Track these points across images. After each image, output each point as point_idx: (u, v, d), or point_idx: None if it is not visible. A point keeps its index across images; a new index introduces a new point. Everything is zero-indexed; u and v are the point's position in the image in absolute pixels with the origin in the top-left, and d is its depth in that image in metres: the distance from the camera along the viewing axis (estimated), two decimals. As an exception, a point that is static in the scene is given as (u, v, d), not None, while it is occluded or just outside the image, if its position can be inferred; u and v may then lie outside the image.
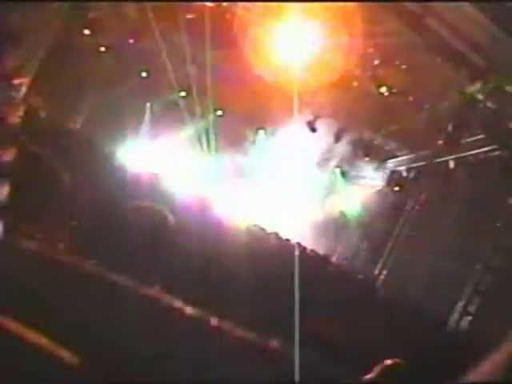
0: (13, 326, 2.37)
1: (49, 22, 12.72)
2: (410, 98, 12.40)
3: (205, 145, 17.51)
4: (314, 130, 15.56)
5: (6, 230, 2.67)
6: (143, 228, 3.23)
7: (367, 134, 15.45)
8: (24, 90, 12.62)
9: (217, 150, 17.33)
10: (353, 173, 17.35)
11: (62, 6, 12.54)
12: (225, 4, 12.15)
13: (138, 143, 16.60)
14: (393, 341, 4.11)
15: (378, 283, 14.01)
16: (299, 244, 11.47)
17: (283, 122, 17.32)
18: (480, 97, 10.67)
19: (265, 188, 17.49)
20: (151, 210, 3.46)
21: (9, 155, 2.84)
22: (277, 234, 11.60)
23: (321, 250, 12.96)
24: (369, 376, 2.84)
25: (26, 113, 8.69)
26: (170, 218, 3.48)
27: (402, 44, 10.65)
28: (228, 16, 12.14)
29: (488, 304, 10.87)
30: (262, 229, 11.27)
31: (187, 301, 2.87)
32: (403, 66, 11.43)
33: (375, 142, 15.58)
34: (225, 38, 12.17)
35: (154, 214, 3.42)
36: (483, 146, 11.58)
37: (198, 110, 17.35)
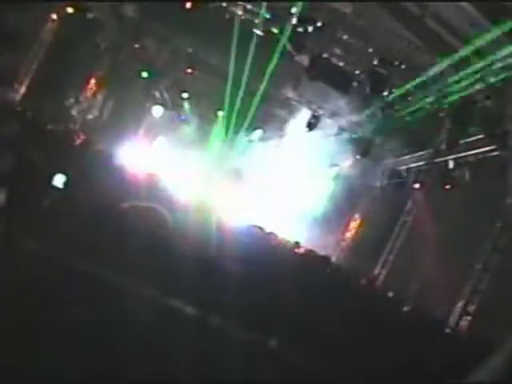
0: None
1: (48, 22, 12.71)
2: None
3: (204, 145, 17.52)
4: (311, 127, 15.58)
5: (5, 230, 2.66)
6: (141, 227, 3.22)
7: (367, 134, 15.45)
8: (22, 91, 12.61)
9: (216, 150, 17.36)
10: (352, 172, 17.36)
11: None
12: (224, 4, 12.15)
13: (137, 143, 16.59)
14: (393, 341, 4.10)
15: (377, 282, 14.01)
16: (298, 243, 11.48)
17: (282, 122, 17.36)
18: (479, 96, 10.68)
19: (263, 188, 17.49)
20: (149, 209, 3.46)
21: (6, 162, 2.83)
22: (275, 234, 11.60)
23: (320, 250, 12.95)
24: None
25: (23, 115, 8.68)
26: (168, 217, 3.48)
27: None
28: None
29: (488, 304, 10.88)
30: (261, 228, 11.28)
31: (186, 301, 2.86)
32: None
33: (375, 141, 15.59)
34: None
35: (152, 213, 3.41)
36: (483, 146, 11.57)
37: (199, 110, 17.38)
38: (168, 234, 3.44)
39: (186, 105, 17.52)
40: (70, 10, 12.46)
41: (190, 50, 15.34)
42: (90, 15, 12.85)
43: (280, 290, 3.80)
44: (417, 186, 14.68)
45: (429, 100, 11.93)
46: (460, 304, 11.33)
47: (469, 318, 11.20)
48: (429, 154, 13.73)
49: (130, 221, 3.28)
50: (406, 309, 7.65)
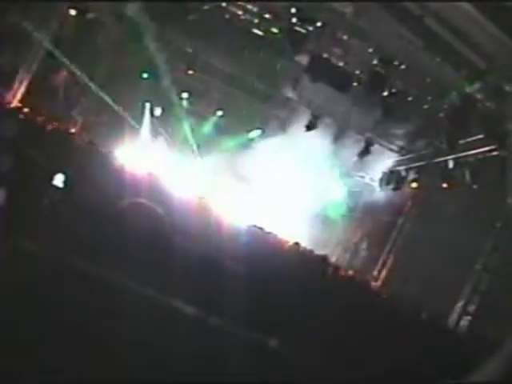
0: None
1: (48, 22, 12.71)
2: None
3: (204, 145, 17.52)
4: (311, 127, 15.57)
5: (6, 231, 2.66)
6: (139, 224, 3.23)
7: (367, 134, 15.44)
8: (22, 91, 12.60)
9: (216, 150, 17.35)
10: (352, 172, 17.35)
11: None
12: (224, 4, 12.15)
13: (137, 143, 16.58)
14: (393, 341, 4.11)
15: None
16: (297, 244, 11.47)
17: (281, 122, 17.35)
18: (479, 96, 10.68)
19: (263, 188, 17.48)
20: (146, 207, 3.46)
21: (6, 162, 2.83)
22: (275, 234, 11.59)
23: (319, 250, 12.94)
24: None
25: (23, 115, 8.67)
26: (164, 215, 3.49)
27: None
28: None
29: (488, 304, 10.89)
30: (260, 228, 11.28)
31: (186, 301, 2.86)
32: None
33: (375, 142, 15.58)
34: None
35: (149, 211, 3.42)
36: (483, 146, 11.57)
37: (198, 110, 17.37)
38: (167, 234, 3.44)
39: (186, 105, 17.50)
40: (70, 10, 12.46)
41: (189, 50, 15.33)
42: (90, 15, 12.84)
43: (280, 289, 3.80)
44: (416, 185, 14.68)
45: (429, 100, 11.96)
46: (460, 304, 11.34)
47: (469, 317, 11.21)
48: (429, 153, 13.73)
49: (129, 219, 3.28)
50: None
